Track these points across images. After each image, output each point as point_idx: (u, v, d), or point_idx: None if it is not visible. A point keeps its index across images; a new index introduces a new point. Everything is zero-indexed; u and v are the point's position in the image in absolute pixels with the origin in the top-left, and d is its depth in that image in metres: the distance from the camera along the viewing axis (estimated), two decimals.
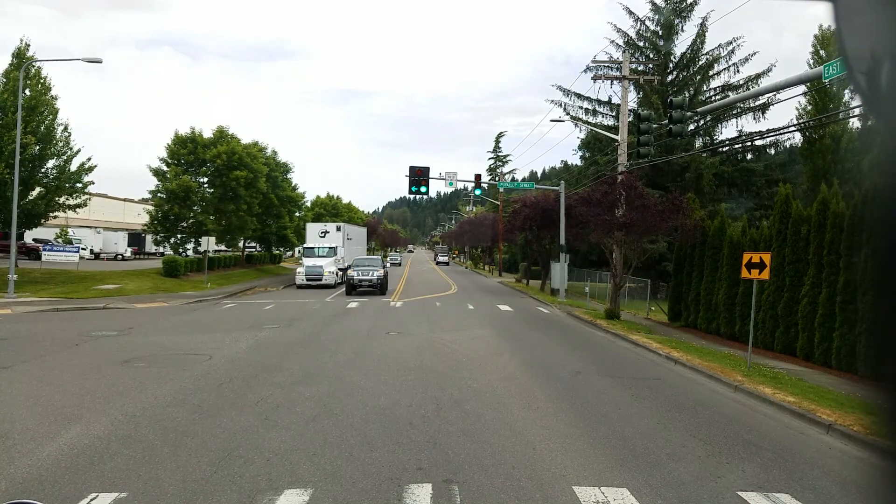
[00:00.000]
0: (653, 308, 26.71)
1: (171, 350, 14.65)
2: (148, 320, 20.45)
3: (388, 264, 49.73)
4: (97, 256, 62.72)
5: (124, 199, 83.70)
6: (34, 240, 52.67)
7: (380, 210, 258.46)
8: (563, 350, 15.49)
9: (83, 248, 62.67)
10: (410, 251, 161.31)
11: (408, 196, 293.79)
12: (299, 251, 44.92)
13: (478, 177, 31.07)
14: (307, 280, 35.26)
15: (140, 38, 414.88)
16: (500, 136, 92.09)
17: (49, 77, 32.53)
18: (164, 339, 16.31)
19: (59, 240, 60.16)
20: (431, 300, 28.90)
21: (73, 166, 33.33)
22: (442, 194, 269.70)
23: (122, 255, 65.03)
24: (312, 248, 38.17)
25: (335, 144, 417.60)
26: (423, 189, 29.15)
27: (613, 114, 40.51)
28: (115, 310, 24.06)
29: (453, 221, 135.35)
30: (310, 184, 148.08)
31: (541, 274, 39.85)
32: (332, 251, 37.63)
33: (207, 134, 40.91)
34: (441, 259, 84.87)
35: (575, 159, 49.73)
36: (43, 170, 32.62)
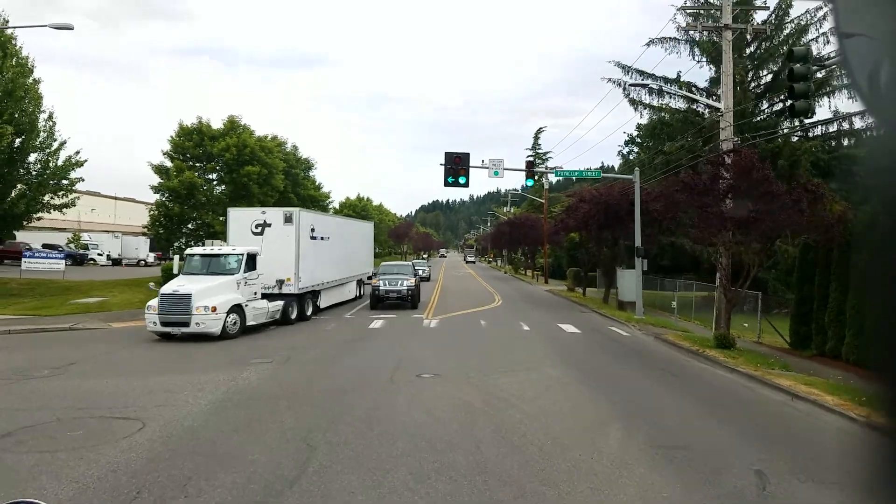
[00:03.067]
0: (745, 324, 20.87)
1: (95, 408, 9.69)
2: (105, 350, 15.57)
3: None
4: (117, 262, 58.85)
5: (153, 203, 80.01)
6: (44, 245, 48.96)
7: (413, 214, 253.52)
8: (696, 412, 9.95)
9: (100, 254, 59.10)
10: (443, 256, 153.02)
11: (440, 199, 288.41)
12: (180, 261, 21.85)
13: (529, 164, 25.40)
14: (161, 324, 17.20)
15: (178, 47, 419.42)
16: (539, 131, 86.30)
17: (31, 58, 28.15)
18: (101, 385, 11.36)
19: (72, 245, 56.73)
20: (473, 317, 23.56)
21: (60, 161, 29.05)
22: (475, 197, 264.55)
23: (144, 260, 60.65)
24: (207, 256, 19.46)
25: (366, 150, 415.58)
26: (461, 180, 23.75)
27: (683, 92, 34.74)
28: (82, 331, 19.36)
29: (488, 224, 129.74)
30: (339, 189, 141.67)
31: (599, 282, 34.23)
32: (239, 264, 18.53)
33: (217, 125, 36.31)
34: (469, 259, 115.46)
35: (617, 160, 43.79)
36: (25, 165, 28.34)
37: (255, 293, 19.19)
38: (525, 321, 21.75)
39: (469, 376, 12.05)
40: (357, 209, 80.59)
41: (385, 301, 26.15)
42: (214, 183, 36.71)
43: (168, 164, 34.76)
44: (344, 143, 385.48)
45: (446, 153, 23.79)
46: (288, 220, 21.25)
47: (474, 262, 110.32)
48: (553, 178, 56.37)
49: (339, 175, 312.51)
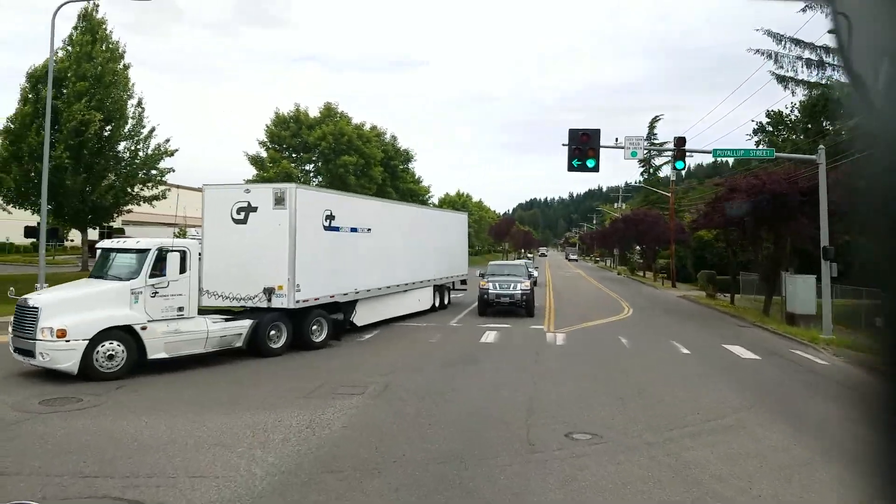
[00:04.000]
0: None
1: (107, 476, 6.69)
2: (166, 365, 12.72)
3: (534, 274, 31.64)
4: None
5: None
6: None
7: (510, 212, 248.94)
8: None
9: None
10: (544, 255, 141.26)
11: (538, 197, 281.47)
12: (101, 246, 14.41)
13: (681, 141, 20.65)
14: (13, 350, 11.72)
15: (288, 54, 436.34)
16: (655, 119, 78.95)
17: (122, 42, 26.73)
18: (136, 428, 8.37)
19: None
20: (607, 330, 19.40)
21: (150, 149, 27.59)
22: (574, 195, 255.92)
23: None
24: (110, 252, 13.14)
25: (462, 150, 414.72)
26: (589, 163, 19.58)
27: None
28: None
29: (593, 221, 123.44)
30: (437, 186, 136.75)
31: (745, 287, 28.99)
32: (139, 265, 12.22)
33: (314, 113, 34.08)
34: (571, 258, 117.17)
35: (748, 145, 37.76)
36: (114, 154, 27.02)
37: (181, 309, 12.70)
38: (677, 339, 17.31)
39: (644, 439, 8.09)
40: (457, 205, 77.93)
41: (494, 306, 22.53)
42: (311, 174, 34.63)
43: (263, 154, 32.92)
44: (438, 143, 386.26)
45: (570, 130, 19.73)
46: (279, 201, 14.44)
47: (577, 261, 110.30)
48: (669, 172, 50.63)
49: (434, 173, 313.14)
